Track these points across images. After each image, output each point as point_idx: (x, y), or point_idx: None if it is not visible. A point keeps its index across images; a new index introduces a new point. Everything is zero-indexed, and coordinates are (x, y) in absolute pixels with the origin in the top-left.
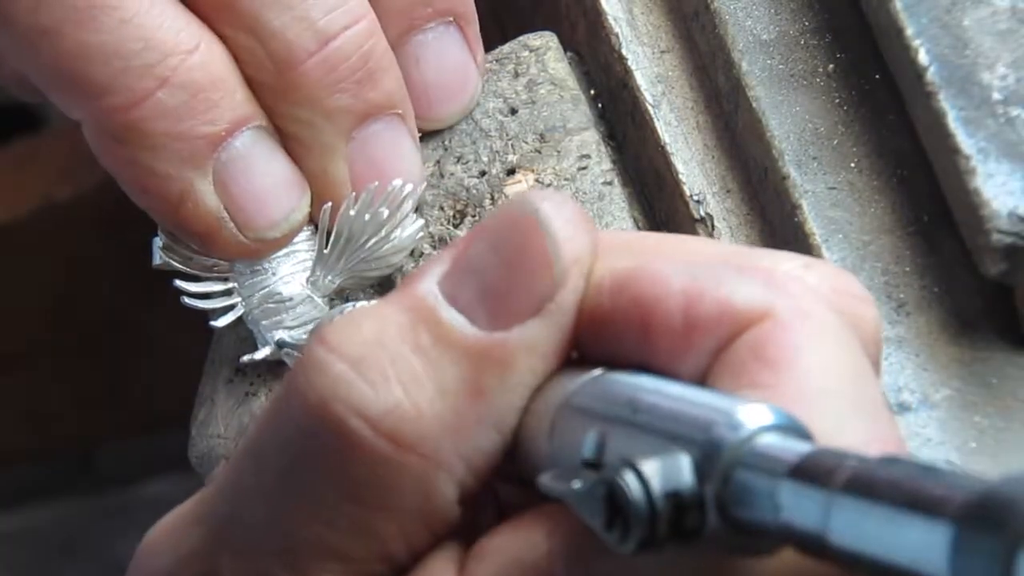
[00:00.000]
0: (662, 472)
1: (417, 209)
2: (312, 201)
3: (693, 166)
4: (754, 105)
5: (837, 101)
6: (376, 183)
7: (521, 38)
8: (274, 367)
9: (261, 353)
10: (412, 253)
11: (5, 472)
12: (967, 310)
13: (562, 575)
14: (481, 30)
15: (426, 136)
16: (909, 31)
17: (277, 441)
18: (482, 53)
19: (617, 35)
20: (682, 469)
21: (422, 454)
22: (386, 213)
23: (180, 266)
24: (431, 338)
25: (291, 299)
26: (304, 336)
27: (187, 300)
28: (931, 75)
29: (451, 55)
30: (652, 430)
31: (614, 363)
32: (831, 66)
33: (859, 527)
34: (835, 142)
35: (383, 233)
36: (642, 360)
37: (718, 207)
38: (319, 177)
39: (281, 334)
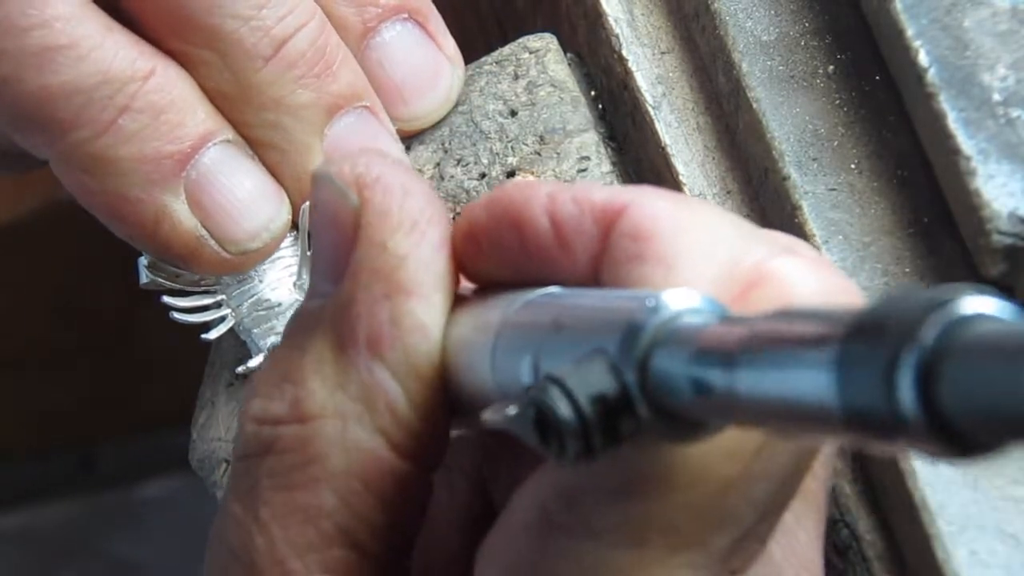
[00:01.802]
0: (582, 378)
1: None
2: (295, 205)
3: (693, 167)
4: (754, 106)
5: (837, 102)
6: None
7: (521, 40)
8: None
9: (255, 361)
10: None
11: (5, 472)
12: None
13: (559, 514)
14: (481, 31)
15: (426, 138)
16: (909, 32)
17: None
18: (451, 44)
19: (617, 36)
20: (601, 370)
21: (319, 415)
22: None
23: (167, 283)
24: (298, 331)
25: (280, 304)
26: None
27: (176, 316)
28: (931, 76)
29: (413, 51)
30: (578, 339)
31: (501, 284)
32: (831, 67)
33: (759, 379)
34: (835, 143)
35: None
36: (527, 275)
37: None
38: (301, 179)
39: (274, 340)
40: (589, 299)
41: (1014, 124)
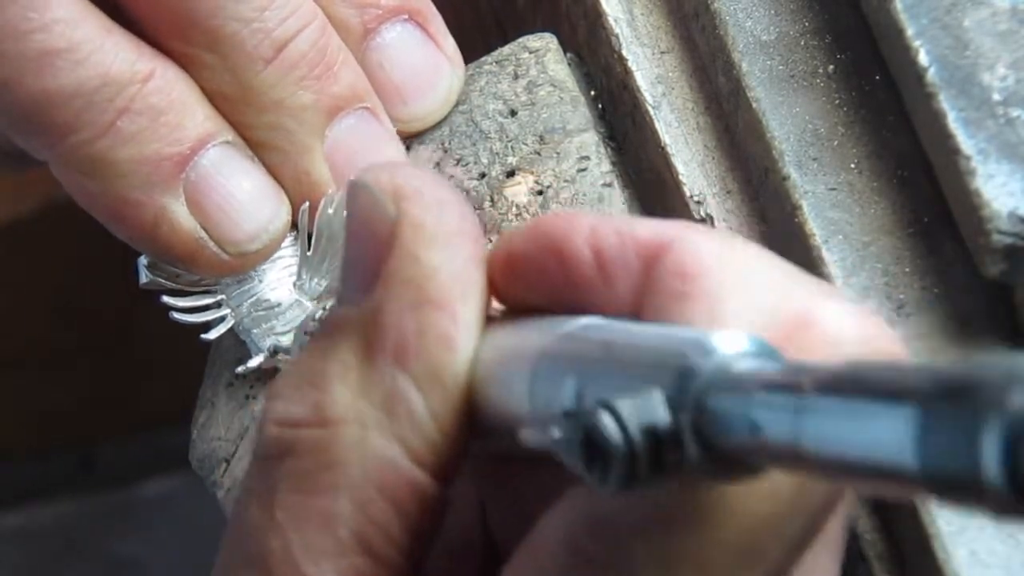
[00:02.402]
0: (636, 408)
1: None
2: (296, 206)
3: (693, 167)
4: (754, 106)
5: (837, 102)
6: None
7: (521, 39)
8: (274, 371)
9: (255, 361)
10: None
11: (5, 472)
12: (967, 310)
13: (590, 545)
14: (481, 31)
15: (425, 138)
16: (909, 32)
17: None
18: (451, 45)
19: (617, 36)
20: (656, 403)
21: (341, 421)
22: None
23: (167, 283)
24: (324, 337)
25: (280, 305)
26: (293, 339)
27: (176, 316)
28: (931, 76)
29: (413, 52)
30: (628, 370)
31: (541, 311)
32: (831, 67)
33: (828, 430)
34: (835, 143)
35: None
36: (564, 303)
37: (718, 208)
38: (302, 181)
39: (273, 340)
40: (640, 333)
41: (1014, 124)
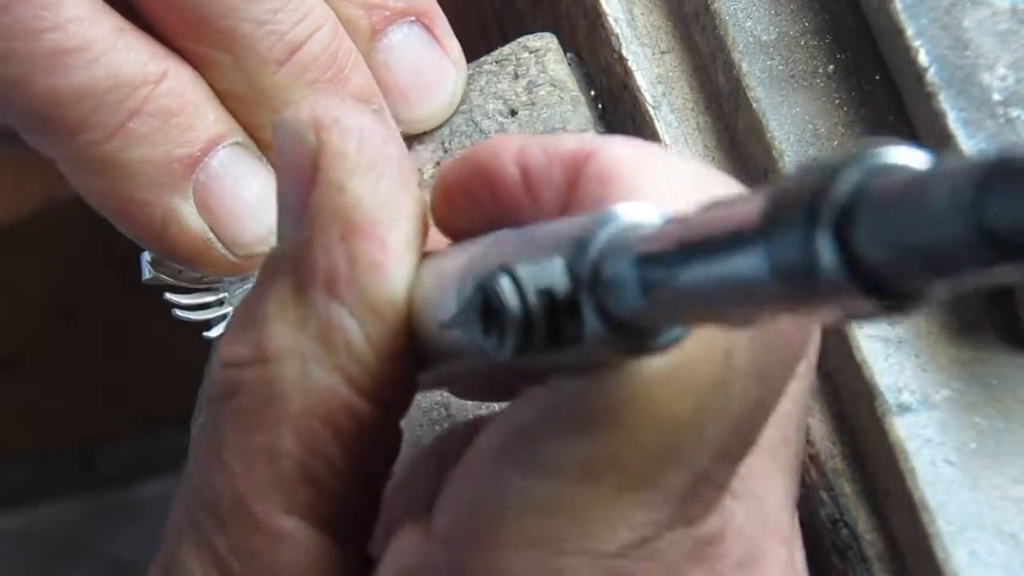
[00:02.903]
0: (534, 273)
1: None
2: None
3: None
4: (754, 106)
5: (837, 102)
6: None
7: (521, 39)
8: None
9: None
10: None
11: (6, 472)
12: (967, 310)
13: (516, 449)
14: (481, 31)
15: (426, 137)
16: (909, 32)
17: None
18: (456, 47)
19: (617, 36)
20: (555, 269)
21: (280, 356)
22: None
23: (170, 280)
24: (263, 276)
25: None
26: None
27: (178, 313)
28: (931, 76)
29: (419, 54)
30: (535, 247)
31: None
32: (831, 67)
33: (700, 273)
34: (835, 143)
35: None
36: (500, 226)
37: None
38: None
39: None
40: (553, 223)
41: (1014, 124)
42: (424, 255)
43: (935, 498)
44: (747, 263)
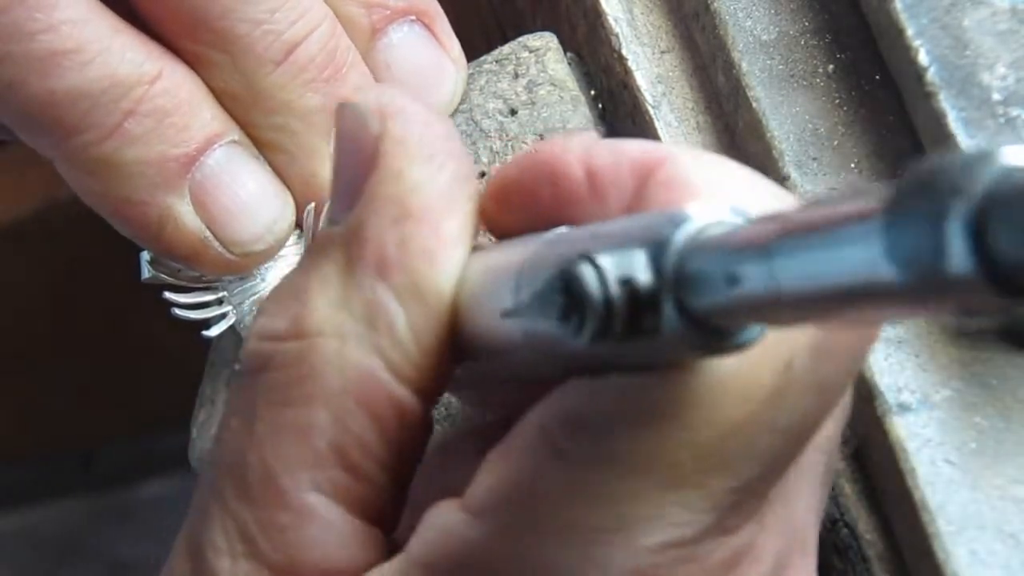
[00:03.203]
0: (617, 263)
1: None
2: (302, 208)
3: None
4: (754, 106)
5: (837, 102)
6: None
7: (521, 39)
8: None
9: None
10: None
11: (5, 473)
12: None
13: (563, 441)
14: (481, 31)
15: None
16: (909, 31)
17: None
18: (456, 47)
19: (617, 36)
20: (638, 261)
21: (319, 332)
22: None
23: (169, 279)
24: (309, 254)
25: None
26: None
27: (178, 311)
28: (931, 75)
29: (420, 53)
30: (611, 240)
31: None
32: (831, 67)
33: (801, 265)
34: (835, 143)
35: None
36: (555, 224)
37: None
38: (309, 182)
39: None
40: (622, 221)
41: (1014, 123)
42: (472, 249)
43: (935, 498)
44: (863, 257)
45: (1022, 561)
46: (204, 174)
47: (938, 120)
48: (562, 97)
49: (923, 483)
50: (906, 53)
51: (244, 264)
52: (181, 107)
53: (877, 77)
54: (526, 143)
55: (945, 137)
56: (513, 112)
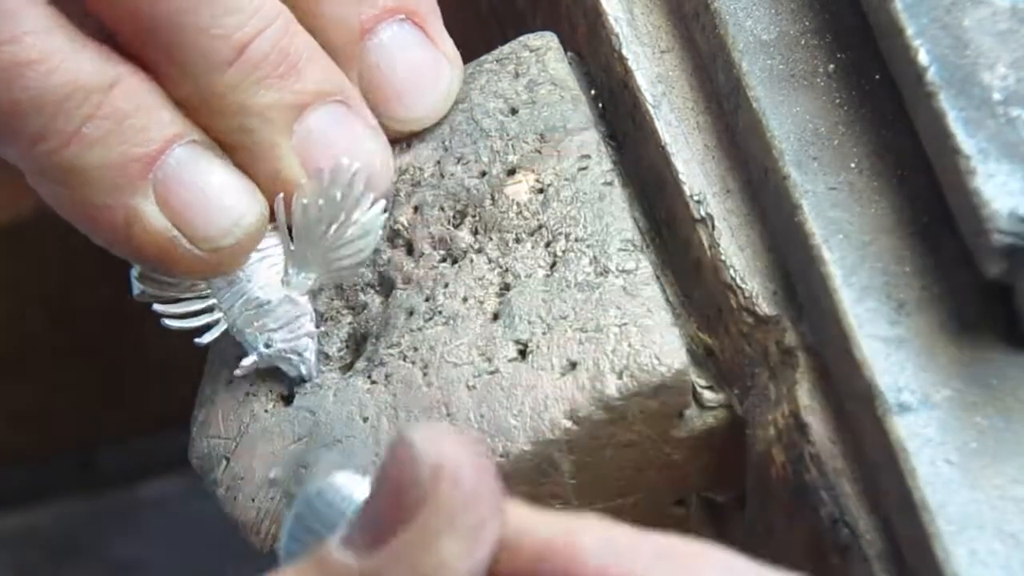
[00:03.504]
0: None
1: (386, 209)
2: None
3: (693, 166)
4: (754, 105)
5: (837, 101)
6: (323, 169)
7: (521, 38)
8: (273, 369)
9: (248, 361)
10: (405, 247)
11: (5, 473)
12: (967, 310)
13: None
14: (481, 30)
15: (426, 136)
16: (909, 31)
17: None
18: (450, 45)
19: (617, 35)
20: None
21: None
22: (339, 195)
23: (159, 292)
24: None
25: (270, 302)
26: (290, 335)
27: (169, 323)
28: (931, 75)
29: (412, 52)
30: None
31: None
32: (831, 66)
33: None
34: (835, 142)
35: (343, 217)
36: None
37: (718, 207)
38: (274, 179)
39: (267, 338)
40: None
41: (1014, 123)
42: None
43: (935, 498)
44: None
45: (1022, 561)
46: (166, 173)
47: (938, 120)
48: (563, 96)
49: (923, 483)
50: (906, 53)
51: (217, 261)
52: (139, 110)
53: (877, 77)
54: (527, 142)
55: (945, 137)
56: (514, 111)
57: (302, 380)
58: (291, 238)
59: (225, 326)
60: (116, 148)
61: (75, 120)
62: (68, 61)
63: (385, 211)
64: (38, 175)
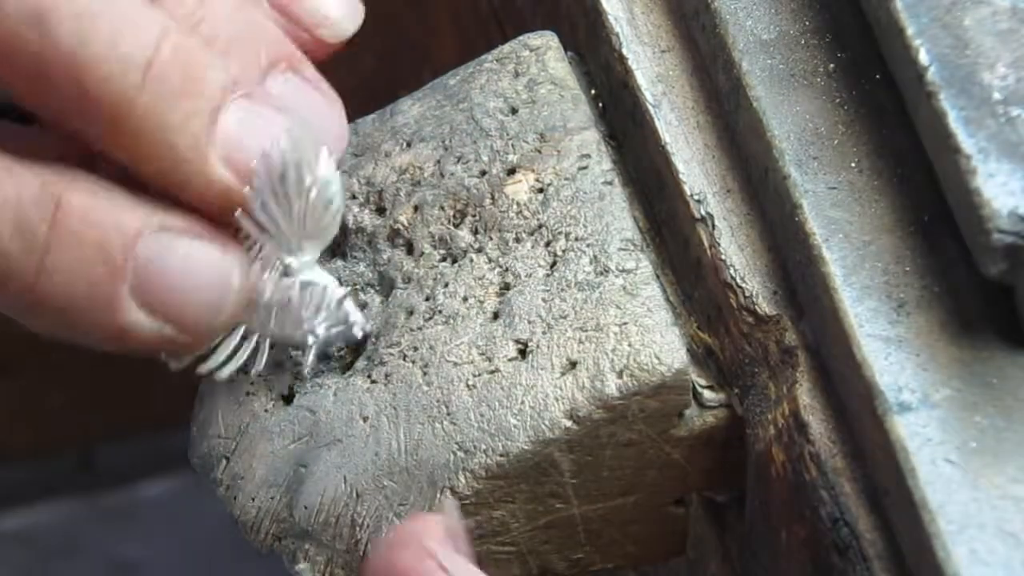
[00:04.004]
0: None
1: (331, 152)
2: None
3: (693, 166)
4: (754, 105)
5: (837, 101)
6: (254, 159)
7: (521, 38)
8: (272, 367)
9: (311, 358)
10: (405, 247)
11: (5, 472)
12: (967, 310)
13: None
14: (481, 30)
15: (426, 135)
16: (909, 31)
17: None
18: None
19: (617, 35)
20: None
21: None
22: (285, 175)
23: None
24: None
25: (290, 299)
26: (328, 312)
27: (220, 375)
28: (931, 75)
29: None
30: None
31: None
32: (831, 66)
33: None
34: (835, 142)
35: (302, 183)
36: None
37: (718, 207)
38: (209, 193)
39: (311, 327)
40: None
41: (1014, 123)
42: None
43: (935, 497)
44: None
45: (1022, 560)
46: (139, 276)
47: (938, 119)
48: (563, 96)
49: (923, 482)
50: (906, 52)
51: (222, 327)
52: (92, 228)
53: (877, 76)
54: (527, 142)
55: (945, 136)
56: (514, 111)
57: (366, 337)
58: (267, 234)
59: (267, 344)
60: (81, 274)
61: (33, 254)
62: (7, 205)
63: (334, 163)
64: (20, 316)
